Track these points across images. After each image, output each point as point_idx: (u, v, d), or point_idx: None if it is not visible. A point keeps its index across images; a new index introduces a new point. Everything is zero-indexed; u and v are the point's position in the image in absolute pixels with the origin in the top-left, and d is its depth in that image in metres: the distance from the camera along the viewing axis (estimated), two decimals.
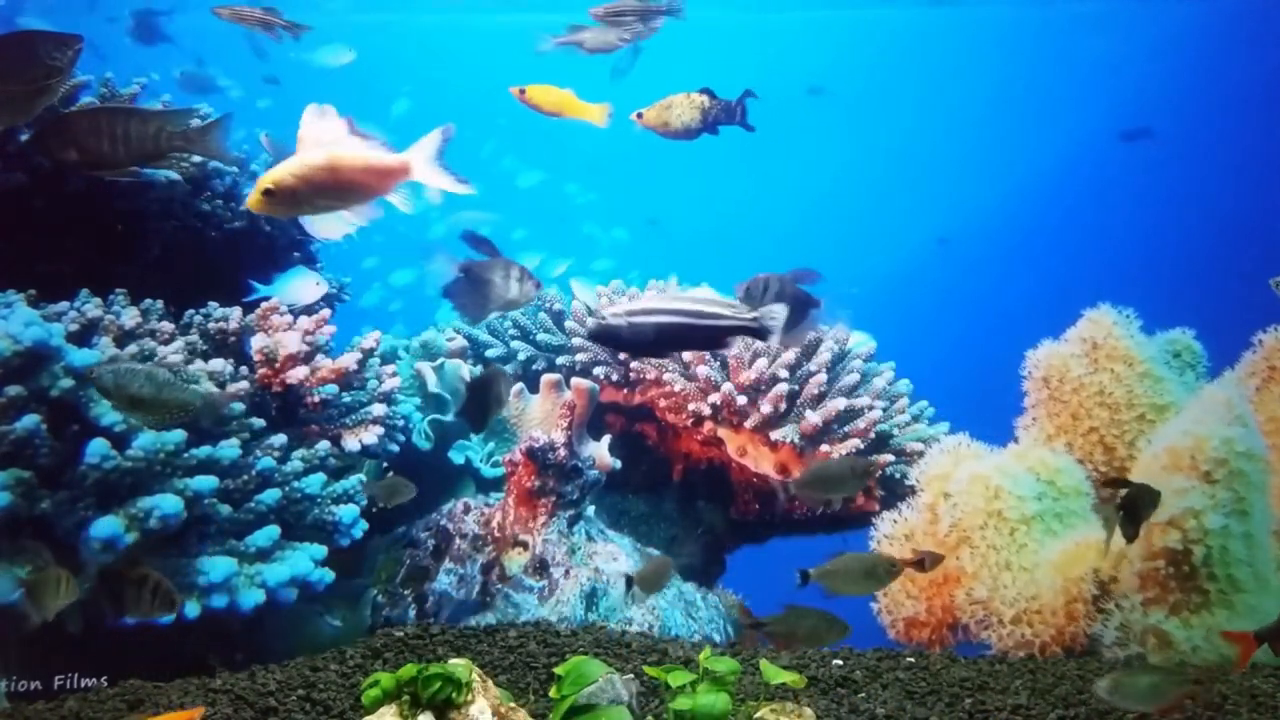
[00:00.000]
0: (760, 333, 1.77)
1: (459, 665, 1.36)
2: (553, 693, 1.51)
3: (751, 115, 2.37)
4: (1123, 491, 1.85)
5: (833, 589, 1.82)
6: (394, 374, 2.87)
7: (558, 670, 1.51)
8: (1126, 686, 1.54)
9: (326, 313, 2.68)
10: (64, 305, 2.38)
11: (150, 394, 1.79)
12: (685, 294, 1.87)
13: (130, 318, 2.47)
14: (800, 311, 1.90)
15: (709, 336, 1.80)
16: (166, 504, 2.09)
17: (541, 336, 3.56)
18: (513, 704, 1.44)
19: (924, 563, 1.96)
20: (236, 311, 2.64)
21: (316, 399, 2.57)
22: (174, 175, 2.75)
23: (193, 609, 2.12)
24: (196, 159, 2.84)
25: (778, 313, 1.74)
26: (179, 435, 2.21)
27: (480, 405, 2.11)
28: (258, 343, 2.52)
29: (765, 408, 3.02)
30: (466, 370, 3.23)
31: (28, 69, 1.55)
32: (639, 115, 2.37)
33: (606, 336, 1.87)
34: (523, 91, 2.37)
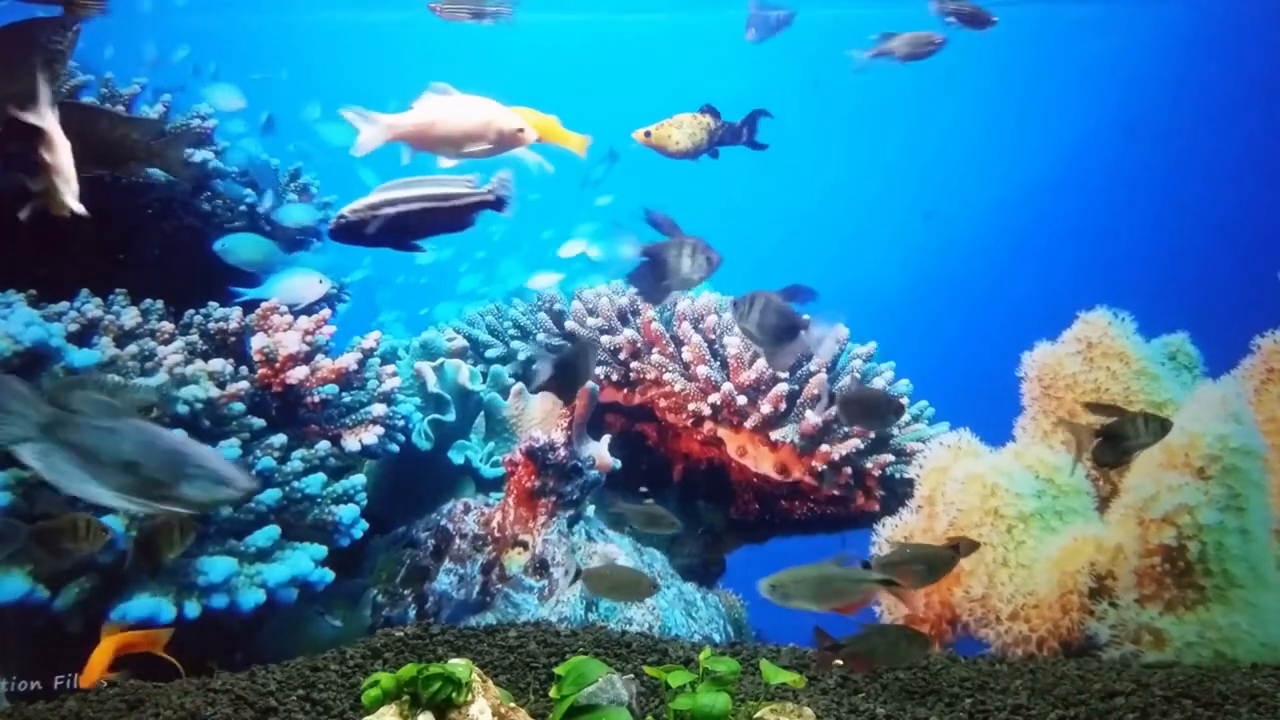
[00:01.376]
0: (498, 204, 1.79)
1: (459, 665, 1.36)
2: (553, 693, 1.51)
3: (763, 123, 2.35)
4: (1108, 419, 1.80)
5: (903, 583, 1.77)
6: (394, 374, 2.87)
7: (558, 670, 1.51)
8: (788, 585, 1.52)
9: (327, 313, 2.68)
10: (64, 305, 2.38)
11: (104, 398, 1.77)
12: (423, 179, 1.85)
13: (130, 318, 2.47)
14: (789, 332, 1.88)
15: (451, 216, 1.81)
16: None
17: (541, 336, 3.56)
18: (513, 704, 1.44)
19: (959, 548, 1.94)
20: (236, 311, 2.64)
21: (316, 399, 2.57)
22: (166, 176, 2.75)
23: (192, 609, 2.13)
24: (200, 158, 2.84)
25: (507, 179, 1.79)
26: (179, 434, 2.21)
27: (571, 377, 2.07)
28: (258, 343, 2.52)
29: (765, 408, 3.03)
30: (466, 372, 3.23)
31: (28, 57, 1.56)
32: (645, 133, 2.33)
33: (350, 232, 1.82)
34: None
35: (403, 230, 1.81)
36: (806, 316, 1.93)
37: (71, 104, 1.62)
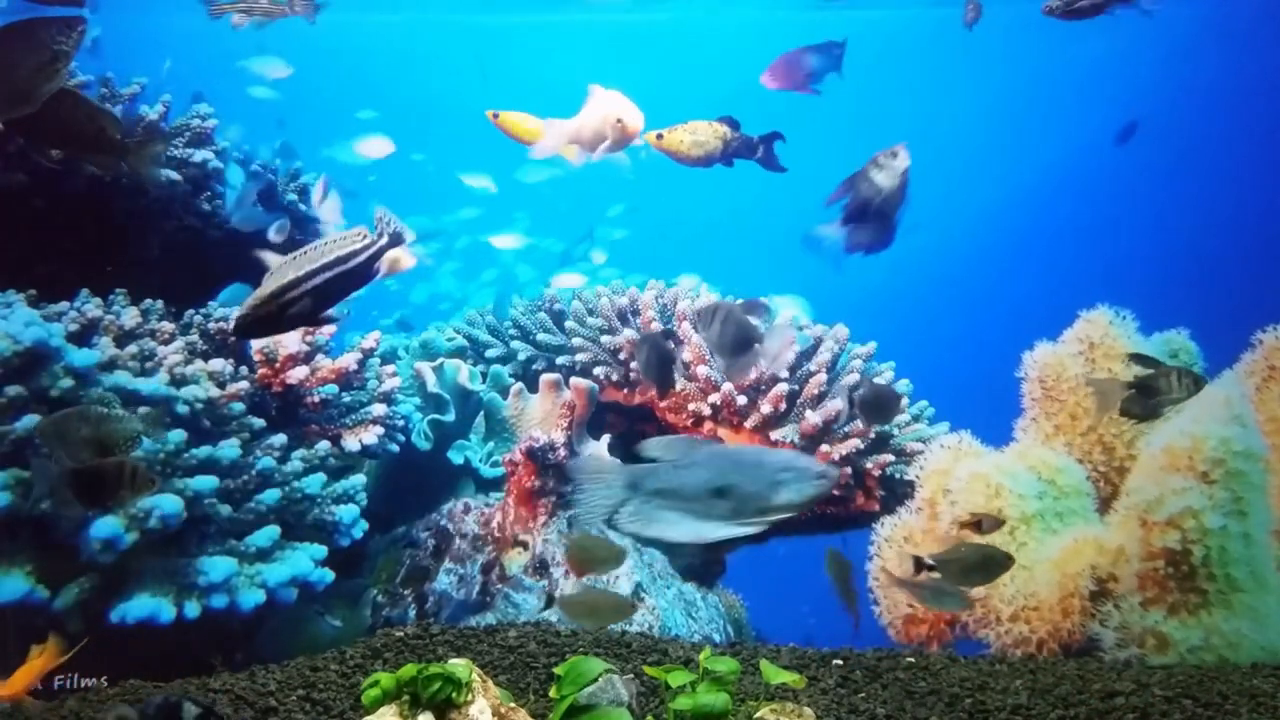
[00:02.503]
0: (396, 240, 1.72)
1: (459, 665, 1.36)
2: (553, 693, 1.51)
3: (756, 119, 2.34)
4: (1144, 370, 1.76)
5: (950, 580, 1.76)
6: (394, 374, 2.87)
7: (558, 670, 1.51)
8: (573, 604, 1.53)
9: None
10: (64, 305, 2.38)
11: (90, 433, 1.75)
12: (313, 247, 1.74)
13: (130, 317, 2.47)
14: (745, 345, 1.88)
15: (357, 274, 1.72)
16: (166, 504, 2.09)
17: (541, 336, 3.56)
18: (513, 704, 1.44)
19: (981, 524, 1.93)
20: (237, 311, 2.64)
21: (316, 399, 2.57)
22: (175, 175, 2.75)
23: (192, 609, 2.13)
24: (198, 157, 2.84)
25: (387, 215, 1.71)
26: (179, 435, 2.21)
27: (663, 366, 2.04)
28: (258, 343, 2.52)
29: (765, 408, 3.03)
30: (466, 372, 3.23)
31: (35, 55, 1.56)
32: (658, 136, 2.29)
33: (257, 328, 1.73)
34: (496, 115, 2.30)
35: (315, 309, 1.70)
36: (763, 330, 1.94)
37: (62, 90, 1.61)
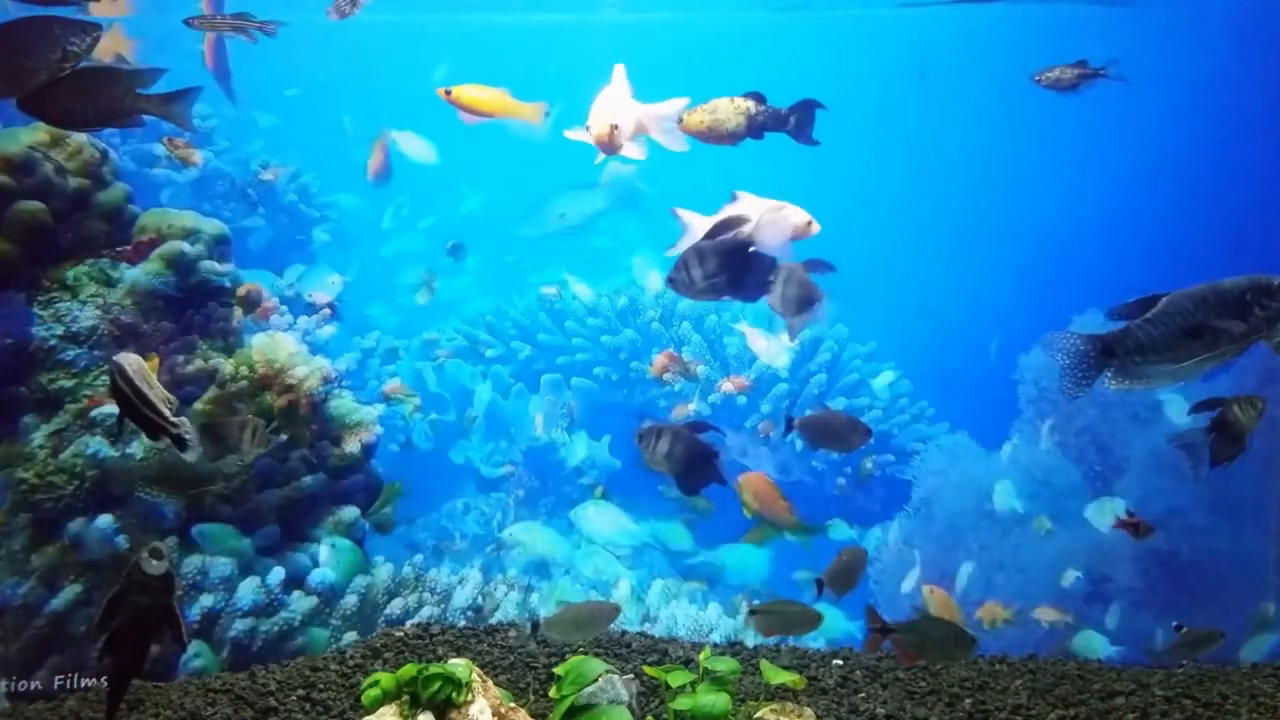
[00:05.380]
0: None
1: (459, 665, 1.36)
2: (553, 693, 1.51)
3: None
4: (1212, 410, 1.72)
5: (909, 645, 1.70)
6: (394, 374, 2.87)
7: (558, 670, 1.51)
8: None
9: (327, 311, 2.68)
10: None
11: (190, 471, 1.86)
12: None
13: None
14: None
15: None
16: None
17: (542, 337, 3.56)
18: (513, 704, 1.44)
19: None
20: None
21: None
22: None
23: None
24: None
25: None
26: None
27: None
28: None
29: (765, 407, 3.03)
30: (467, 371, 3.22)
31: (45, 50, 1.57)
32: (679, 120, 2.25)
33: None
34: (448, 93, 2.16)
35: None
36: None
37: (80, 70, 1.63)
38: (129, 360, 1.56)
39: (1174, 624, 1.94)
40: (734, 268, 1.86)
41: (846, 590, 1.85)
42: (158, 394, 1.57)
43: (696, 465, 1.86)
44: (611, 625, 1.92)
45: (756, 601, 2.32)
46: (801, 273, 1.89)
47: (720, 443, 1.99)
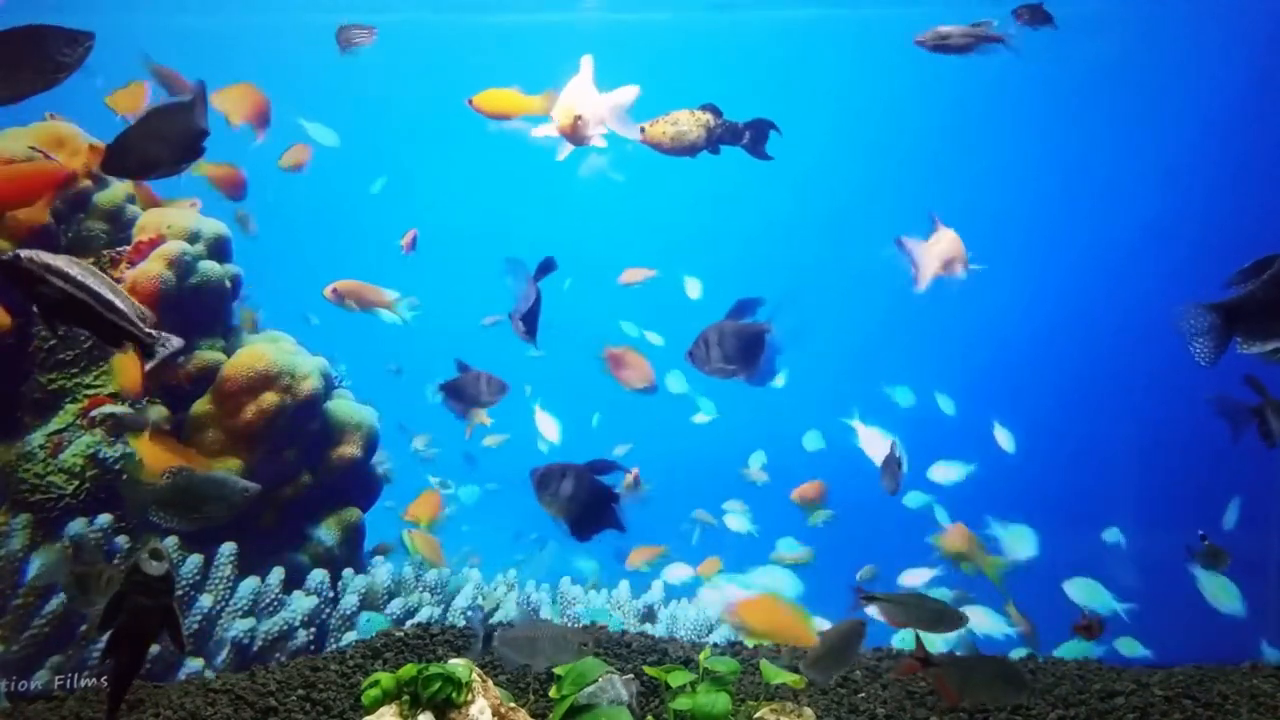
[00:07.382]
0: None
1: (459, 665, 1.36)
2: (553, 693, 1.51)
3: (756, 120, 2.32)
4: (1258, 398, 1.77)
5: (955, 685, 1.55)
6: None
7: (558, 670, 1.51)
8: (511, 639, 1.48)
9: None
10: None
11: (214, 492, 1.81)
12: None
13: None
14: (755, 345, 1.86)
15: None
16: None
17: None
18: (513, 704, 1.44)
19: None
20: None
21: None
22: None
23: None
24: None
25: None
26: None
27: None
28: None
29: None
30: None
31: (37, 60, 1.57)
32: (641, 130, 2.27)
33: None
34: (471, 101, 2.29)
35: None
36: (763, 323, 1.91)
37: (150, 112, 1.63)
38: (55, 256, 1.37)
39: (1199, 533, 2.08)
40: (748, 352, 1.86)
41: (834, 672, 1.73)
42: (117, 293, 1.42)
43: (593, 509, 1.69)
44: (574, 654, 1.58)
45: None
46: (729, 327, 1.91)
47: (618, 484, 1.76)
